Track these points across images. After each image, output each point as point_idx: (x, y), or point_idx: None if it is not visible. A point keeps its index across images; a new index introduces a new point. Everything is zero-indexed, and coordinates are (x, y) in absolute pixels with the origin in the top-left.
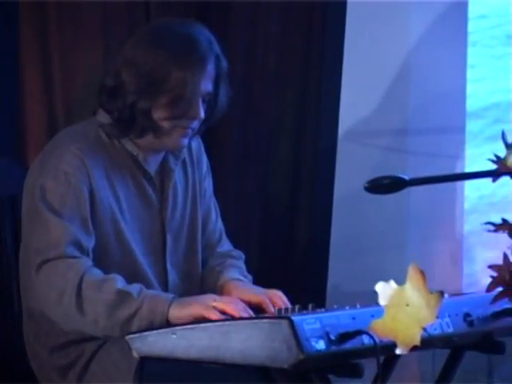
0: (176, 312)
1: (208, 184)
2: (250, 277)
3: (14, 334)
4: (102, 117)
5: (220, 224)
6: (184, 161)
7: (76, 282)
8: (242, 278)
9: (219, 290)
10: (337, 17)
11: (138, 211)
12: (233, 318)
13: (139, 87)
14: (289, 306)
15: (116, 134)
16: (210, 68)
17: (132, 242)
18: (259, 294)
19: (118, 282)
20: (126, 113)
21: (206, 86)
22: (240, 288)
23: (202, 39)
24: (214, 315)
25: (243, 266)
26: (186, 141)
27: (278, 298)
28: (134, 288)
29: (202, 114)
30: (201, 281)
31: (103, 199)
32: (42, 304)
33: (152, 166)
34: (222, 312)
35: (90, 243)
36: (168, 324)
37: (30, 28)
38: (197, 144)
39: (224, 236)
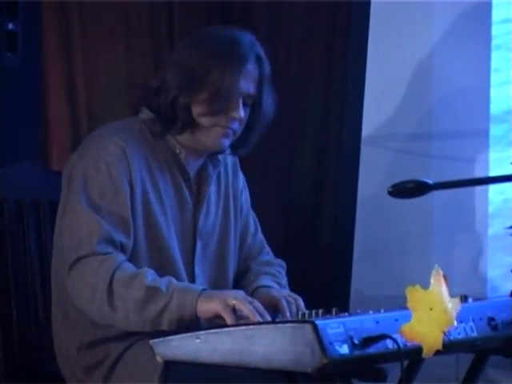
0: (201, 306)
1: (245, 199)
2: (286, 286)
3: (39, 336)
4: (146, 114)
5: (260, 236)
6: (219, 173)
7: (107, 278)
8: (271, 284)
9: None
10: (360, 20)
11: (175, 210)
12: (251, 323)
13: (180, 83)
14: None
15: (158, 130)
16: (251, 68)
17: (168, 238)
18: (275, 295)
19: (148, 276)
20: (168, 108)
21: (247, 86)
22: (263, 294)
23: (243, 40)
24: (229, 318)
25: (279, 274)
26: (226, 141)
27: (297, 301)
28: (163, 282)
29: (242, 114)
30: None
31: (142, 191)
32: (76, 301)
33: (192, 168)
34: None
35: (125, 239)
36: (197, 317)
37: (53, 29)
38: (233, 160)
39: (266, 247)
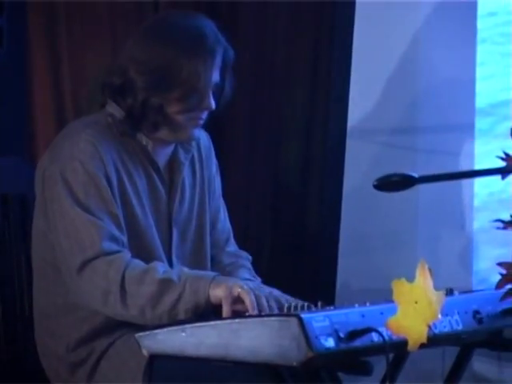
0: (211, 292)
1: (217, 184)
2: (259, 279)
3: (25, 332)
4: (112, 108)
5: (228, 224)
6: (192, 157)
7: (119, 280)
8: (252, 278)
9: None
10: (346, 15)
11: (149, 200)
12: (243, 316)
13: (150, 83)
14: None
15: (128, 130)
16: (219, 59)
17: (146, 227)
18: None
19: (159, 269)
20: (138, 110)
21: (216, 76)
22: None
23: (208, 31)
24: (226, 310)
25: (252, 268)
26: (197, 132)
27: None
28: (175, 272)
29: (214, 105)
30: None
31: (118, 183)
32: (88, 304)
33: (161, 158)
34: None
35: (122, 234)
36: (212, 304)
37: (39, 28)
38: (207, 143)
39: (232, 236)
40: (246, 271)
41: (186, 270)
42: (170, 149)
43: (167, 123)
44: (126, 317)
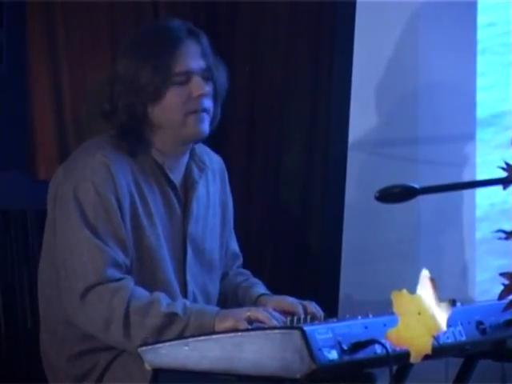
0: (218, 325)
1: (232, 206)
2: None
3: (28, 346)
4: None
5: (238, 249)
6: (206, 178)
7: (122, 310)
8: (269, 293)
9: (252, 305)
10: (346, 22)
11: (164, 219)
12: (253, 329)
13: (129, 93)
14: (322, 314)
15: (129, 149)
16: (189, 43)
17: (157, 249)
18: (293, 303)
19: (163, 302)
20: (128, 125)
21: (196, 62)
22: (275, 299)
23: (171, 25)
24: (242, 326)
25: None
26: (204, 126)
27: (312, 307)
28: (179, 306)
29: (205, 88)
30: (222, 297)
31: (130, 205)
32: (89, 329)
33: (176, 175)
34: (257, 321)
35: (125, 257)
36: None
37: (39, 38)
38: (221, 166)
39: (241, 261)
40: (262, 286)
41: (188, 303)
42: (183, 163)
43: (166, 125)
44: (127, 346)
